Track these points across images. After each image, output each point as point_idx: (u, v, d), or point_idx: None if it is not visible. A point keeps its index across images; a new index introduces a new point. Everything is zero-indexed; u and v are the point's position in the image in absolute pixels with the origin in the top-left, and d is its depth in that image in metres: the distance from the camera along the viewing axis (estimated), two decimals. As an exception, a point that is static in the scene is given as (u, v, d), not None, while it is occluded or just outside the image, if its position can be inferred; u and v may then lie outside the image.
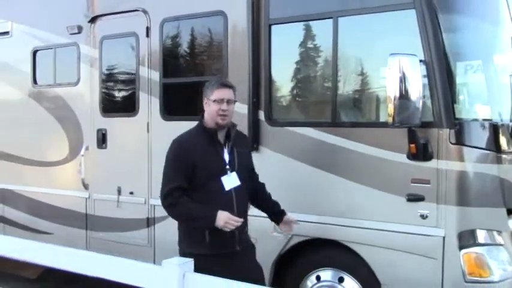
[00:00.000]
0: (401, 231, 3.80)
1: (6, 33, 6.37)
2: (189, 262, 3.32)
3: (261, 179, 3.88)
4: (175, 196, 3.41)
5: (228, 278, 3.03)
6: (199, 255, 3.31)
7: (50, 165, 5.94)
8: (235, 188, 3.46)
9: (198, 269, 3.18)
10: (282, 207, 3.79)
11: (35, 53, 6.07)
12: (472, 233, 3.69)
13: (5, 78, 6.41)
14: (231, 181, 3.46)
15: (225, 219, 3.31)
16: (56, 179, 5.90)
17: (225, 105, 3.42)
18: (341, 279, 4.14)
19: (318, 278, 4.24)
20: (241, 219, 3.37)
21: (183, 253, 3.51)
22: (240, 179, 3.49)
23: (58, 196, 5.84)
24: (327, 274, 4.21)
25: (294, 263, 4.36)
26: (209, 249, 3.40)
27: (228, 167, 3.46)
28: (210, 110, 3.46)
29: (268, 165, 4.29)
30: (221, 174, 3.44)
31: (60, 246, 4.15)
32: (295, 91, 4.54)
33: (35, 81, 6.10)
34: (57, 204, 5.87)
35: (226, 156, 3.48)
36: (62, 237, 5.54)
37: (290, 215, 3.75)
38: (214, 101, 3.43)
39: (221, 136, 3.51)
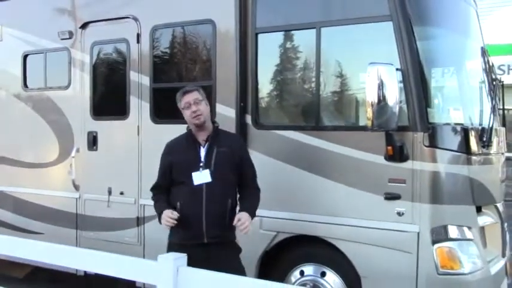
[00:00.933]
0: (379, 227, 4.07)
1: (-3, 37, 6.50)
2: (183, 257, 3.53)
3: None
4: (154, 193, 4.00)
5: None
6: (174, 244, 3.75)
7: (40, 167, 6.07)
8: (207, 184, 3.72)
9: None
10: (248, 209, 3.80)
11: (25, 57, 6.21)
12: (444, 229, 3.98)
13: (-5, 82, 6.54)
14: (201, 177, 3.73)
15: (163, 217, 3.74)
16: (47, 180, 6.04)
17: (193, 106, 3.80)
18: (323, 274, 4.40)
19: (302, 272, 4.50)
20: (176, 214, 3.67)
21: (168, 242, 3.89)
22: (216, 176, 3.72)
23: (49, 197, 5.99)
24: (310, 269, 4.46)
25: (279, 259, 4.60)
26: (180, 238, 3.76)
27: (201, 164, 3.75)
28: (185, 116, 3.88)
29: (256, 167, 4.52)
30: (192, 170, 3.75)
31: (56, 244, 4.32)
32: (280, 96, 4.80)
33: (25, 84, 6.24)
34: (48, 205, 6.01)
35: (203, 154, 3.79)
36: (53, 237, 5.66)
37: (241, 218, 3.69)
38: (183, 108, 3.86)
39: (202, 136, 3.84)
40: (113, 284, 4.20)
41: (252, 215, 3.81)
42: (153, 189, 4.00)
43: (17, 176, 6.32)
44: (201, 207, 3.72)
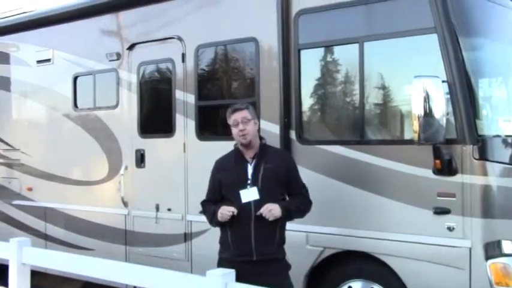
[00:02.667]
0: (430, 243, 3.99)
1: (48, 60, 6.77)
2: (231, 273, 3.57)
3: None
4: (204, 206, 4.08)
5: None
6: (224, 260, 3.82)
7: (90, 184, 6.27)
8: (256, 201, 3.74)
9: None
10: (284, 202, 3.84)
11: (75, 78, 6.45)
12: (498, 244, 3.86)
13: (48, 103, 6.81)
14: (249, 195, 3.76)
15: (221, 211, 3.77)
16: (97, 197, 6.23)
17: (240, 125, 3.82)
18: (372, 290, 4.34)
19: (350, 288, 4.46)
20: (232, 208, 3.71)
21: (218, 258, 3.97)
22: (264, 193, 3.76)
23: (99, 213, 6.16)
24: (358, 285, 4.40)
25: (326, 275, 4.57)
26: (230, 254, 3.81)
27: (249, 182, 3.79)
28: (233, 133, 3.92)
29: (300, 181, 4.55)
30: (240, 188, 3.79)
31: (107, 259, 4.44)
32: (324, 111, 4.81)
33: (75, 105, 6.47)
34: (98, 221, 6.19)
35: (250, 172, 3.82)
36: (103, 253, 5.80)
37: (269, 205, 3.70)
38: (231, 125, 3.90)
39: (250, 154, 3.88)
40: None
41: (284, 207, 3.76)
42: (203, 203, 4.09)
43: (67, 193, 6.53)
44: (250, 225, 3.74)
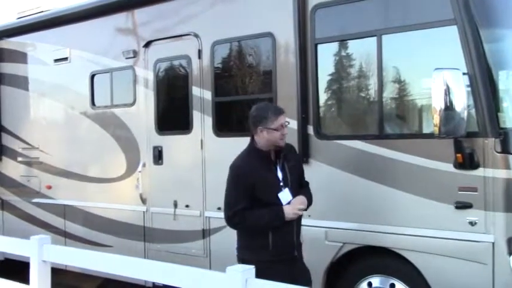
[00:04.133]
0: (451, 237, 3.94)
1: (65, 59, 6.82)
2: (251, 269, 3.55)
3: (311, 191, 4.05)
4: (241, 215, 3.72)
5: (288, 282, 3.26)
6: (263, 262, 3.59)
7: (109, 182, 6.31)
8: (290, 201, 3.75)
9: (261, 275, 3.43)
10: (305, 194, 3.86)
11: (92, 76, 6.49)
12: (522, 238, 3.81)
13: (65, 101, 6.86)
14: (286, 196, 3.76)
15: (292, 209, 3.68)
16: (115, 195, 6.26)
17: (285, 129, 3.75)
18: (392, 286, 4.29)
19: (370, 284, 4.41)
20: (305, 203, 3.75)
21: (242, 260, 3.77)
22: (293, 191, 3.78)
23: (117, 210, 6.20)
24: (378, 280, 4.37)
25: (346, 271, 4.54)
26: (272, 255, 3.71)
27: (281, 183, 3.75)
28: (271, 136, 3.71)
29: (318, 177, 4.50)
30: (276, 191, 3.73)
31: (126, 256, 4.46)
32: (342, 106, 4.77)
33: (93, 103, 6.50)
34: (116, 218, 6.22)
35: (279, 174, 3.77)
36: (122, 250, 5.85)
37: (297, 199, 3.75)
38: (275, 129, 3.70)
39: (273, 155, 3.80)
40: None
41: (307, 198, 3.83)
42: (236, 214, 3.72)
43: (85, 190, 6.58)
44: (293, 223, 3.75)
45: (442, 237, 3.98)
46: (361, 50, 4.53)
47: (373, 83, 4.41)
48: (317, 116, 4.67)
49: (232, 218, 3.75)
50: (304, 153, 4.65)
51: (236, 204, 3.70)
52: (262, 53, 5.10)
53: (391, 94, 4.36)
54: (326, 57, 4.67)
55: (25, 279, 4.91)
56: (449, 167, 3.95)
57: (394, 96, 4.37)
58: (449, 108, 3.73)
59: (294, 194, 3.75)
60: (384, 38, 4.28)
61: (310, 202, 3.89)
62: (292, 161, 3.83)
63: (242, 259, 3.80)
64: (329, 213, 4.48)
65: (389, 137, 4.30)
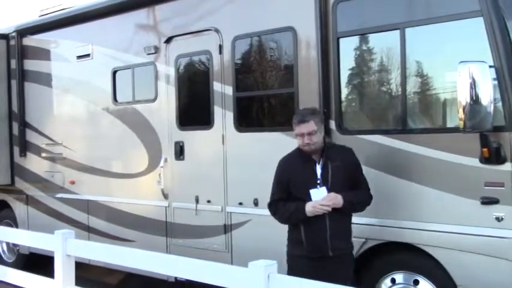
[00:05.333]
0: (477, 233, 3.87)
1: (88, 55, 6.88)
2: (273, 264, 3.55)
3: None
4: (274, 206, 4.08)
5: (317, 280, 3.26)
6: (296, 256, 3.83)
7: (131, 177, 6.36)
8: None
9: (293, 268, 3.50)
10: (344, 193, 3.90)
11: (114, 73, 6.53)
12: (550, 235, 3.72)
13: (88, 97, 6.93)
14: (319, 194, 3.87)
15: (311, 205, 3.81)
16: (137, 190, 6.31)
17: (306, 138, 3.88)
18: (416, 282, 4.24)
19: (393, 280, 4.37)
20: (329, 204, 3.79)
21: (286, 253, 4.05)
22: (333, 191, 3.86)
23: (139, 205, 6.24)
24: (401, 277, 4.33)
25: (368, 267, 4.50)
26: (305, 251, 3.84)
27: (318, 181, 3.89)
28: (297, 140, 3.99)
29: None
30: (309, 188, 3.89)
31: (149, 251, 4.49)
32: (364, 100, 4.72)
33: (115, 99, 6.55)
34: (138, 214, 6.27)
35: (319, 172, 3.92)
36: (144, 244, 5.87)
37: (326, 196, 3.85)
38: (296, 135, 3.97)
39: (317, 154, 3.96)
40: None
41: (344, 198, 3.85)
42: (272, 203, 4.09)
43: (108, 185, 6.64)
44: (325, 220, 3.84)
45: (468, 233, 3.91)
46: (383, 43, 4.46)
47: (396, 77, 4.35)
48: (339, 111, 4.62)
49: (269, 207, 4.11)
50: (326, 148, 4.61)
51: (273, 195, 4.07)
52: (283, 47, 5.07)
53: (414, 88, 4.30)
54: (348, 51, 4.63)
55: (50, 273, 4.98)
56: (475, 162, 3.88)
57: (417, 90, 4.31)
58: (475, 102, 3.65)
59: (336, 191, 3.85)
60: (407, 31, 4.22)
61: (352, 204, 3.93)
62: (337, 162, 3.91)
63: (286, 252, 4.04)
64: (351, 209, 4.43)
65: (413, 131, 4.24)
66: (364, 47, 4.62)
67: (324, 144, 3.98)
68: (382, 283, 4.43)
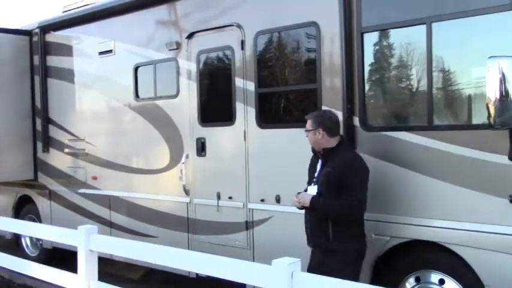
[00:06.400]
0: (505, 232, 3.78)
1: (110, 51, 6.90)
2: (297, 262, 3.52)
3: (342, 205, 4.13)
4: None
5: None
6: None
7: (153, 173, 6.37)
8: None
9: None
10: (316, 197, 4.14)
11: (136, 68, 6.54)
12: None
13: (110, 93, 6.95)
14: (311, 190, 4.20)
15: (293, 199, 4.27)
16: (159, 186, 6.31)
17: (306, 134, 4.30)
18: (442, 281, 4.17)
19: (418, 279, 4.30)
20: (303, 202, 4.14)
21: None
22: (320, 192, 4.12)
23: (161, 201, 6.25)
24: (426, 276, 4.26)
25: (393, 265, 4.44)
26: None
27: (314, 179, 4.21)
28: None
29: (365, 169, 4.44)
30: (309, 183, 4.28)
31: (172, 248, 4.49)
32: (389, 96, 4.63)
33: (137, 95, 6.56)
34: (160, 209, 6.28)
35: (318, 171, 4.22)
36: (166, 240, 5.90)
37: (301, 194, 4.22)
38: None
39: (322, 154, 4.23)
40: (224, 285, 4.28)
41: (314, 201, 4.09)
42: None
43: (130, 181, 6.66)
44: (307, 218, 4.25)
45: (496, 232, 3.82)
46: (409, 38, 4.38)
47: (422, 73, 4.26)
48: (363, 107, 4.56)
49: None
50: (349, 146, 4.56)
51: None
52: (306, 42, 5.01)
53: (441, 84, 4.21)
54: (372, 47, 4.55)
55: (73, 267, 5.02)
56: (503, 159, 3.78)
57: (444, 86, 4.22)
58: (504, 97, 3.57)
59: (322, 192, 4.10)
60: (434, 25, 4.13)
61: (323, 209, 4.09)
62: (331, 168, 4.07)
63: None
64: (375, 206, 4.37)
65: (440, 128, 4.16)
66: (389, 42, 4.53)
67: (332, 147, 4.15)
68: (406, 282, 4.37)
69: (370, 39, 4.54)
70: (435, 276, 4.21)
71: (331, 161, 4.10)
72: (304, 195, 4.15)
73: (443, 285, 4.16)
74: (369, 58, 4.56)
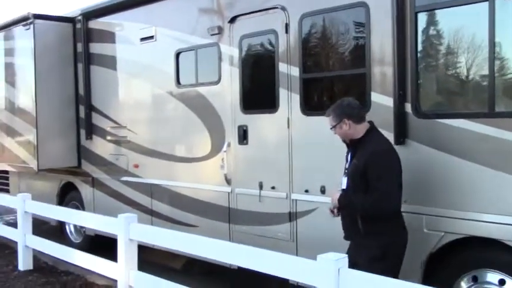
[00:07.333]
0: None
1: (151, 37, 6.79)
2: (344, 258, 3.30)
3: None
4: None
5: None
6: None
7: (194, 161, 6.24)
8: (344, 190, 4.04)
9: None
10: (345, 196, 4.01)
11: (178, 54, 6.40)
12: None
13: (151, 80, 6.86)
14: (343, 183, 4.06)
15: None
16: (200, 174, 6.18)
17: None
18: (502, 282, 3.85)
19: (475, 279, 4.00)
20: (333, 202, 4.05)
21: None
22: (348, 184, 3.99)
23: (202, 190, 6.12)
24: (484, 275, 3.96)
25: (447, 262, 4.14)
26: None
27: (346, 171, 4.07)
28: None
29: (416, 159, 4.16)
30: (344, 175, 4.10)
31: (213, 239, 4.34)
32: (445, 81, 4.30)
33: (178, 81, 6.43)
34: (201, 199, 6.15)
35: (348, 162, 4.07)
36: (207, 230, 5.78)
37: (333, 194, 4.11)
38: None
39: (351, 146, 4.09)
40: (265, 278, 4.10)
41: (341, 199, 3.97)
42: None
43: (171, 170, 6.56)
44: (343, 212, 4.09)
45: None
46: (469, 17, 4.03)
47: (483, 55, 3.91)
48: (416, 93, 4.24)
49: None
50: (400, 133, 4.28)
51: None
52: (354, 24, 4.72)
53: (504, 67, 3.85)
54: (427, 27, 4.23)
55: (115, 255, 4.96)
56: None
57: (508, 69, 3.86)
58: None
59: (350, 185, 3.98)
60: (497, 2, 3.77)
61: (348, 205, 3.97)
62: (356, 160, 3.92)
63: None
64: (429, 199, 4.09)
65: (502, 115, 3.81)
66: (446, 22, 4.18)
67: (360, 137, 3.96)
68: (462, 281, 4.07)
69: (425, 19, 4.22)
70: (494, 276, 3.90)
71: (359, 152, 3.94)
72: (333, 195, 4.06)
73: (504, 286, 3.84)
74: (423, 40, 4.25)
